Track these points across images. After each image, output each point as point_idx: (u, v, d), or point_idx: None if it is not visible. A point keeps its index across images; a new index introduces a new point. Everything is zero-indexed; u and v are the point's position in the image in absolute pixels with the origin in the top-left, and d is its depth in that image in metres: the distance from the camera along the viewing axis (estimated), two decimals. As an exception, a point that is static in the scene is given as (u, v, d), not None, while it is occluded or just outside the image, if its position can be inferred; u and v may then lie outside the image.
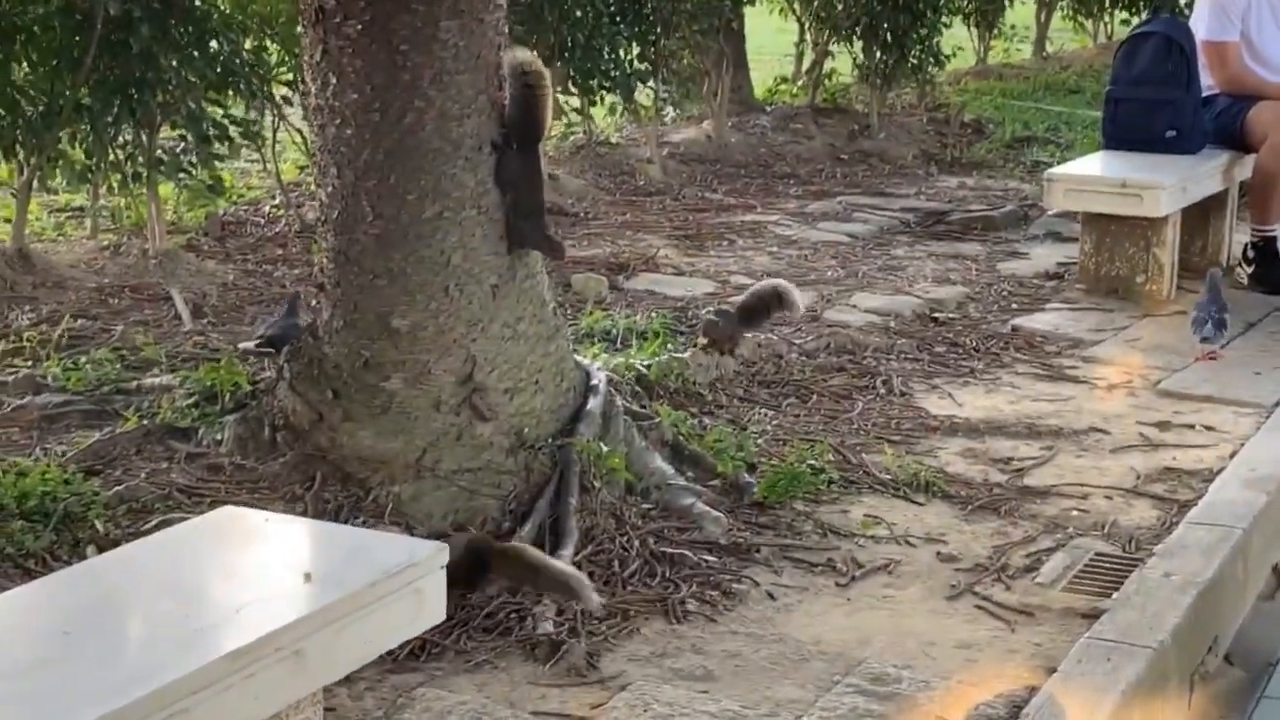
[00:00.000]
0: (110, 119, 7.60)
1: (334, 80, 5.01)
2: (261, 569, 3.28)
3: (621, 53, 11.10)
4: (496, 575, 4.63)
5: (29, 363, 6.33)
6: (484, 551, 4.63)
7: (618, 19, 10.96)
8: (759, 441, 6.06)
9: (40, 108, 7.44)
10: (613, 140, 12.28)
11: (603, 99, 11.36)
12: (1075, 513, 5.57)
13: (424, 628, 3.46)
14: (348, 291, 5.15)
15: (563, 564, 4.64)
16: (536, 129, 5.21)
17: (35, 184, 8.10)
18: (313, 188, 7.97)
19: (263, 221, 9.36)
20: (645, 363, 6.50)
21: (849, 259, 9.27)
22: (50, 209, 9.47)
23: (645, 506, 5.37)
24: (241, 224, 9.35)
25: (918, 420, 6.48)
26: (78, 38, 7.42)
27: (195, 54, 7.77)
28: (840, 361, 7.19)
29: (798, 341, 7.39)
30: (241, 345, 6.56)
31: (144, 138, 7.81)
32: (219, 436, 5.43)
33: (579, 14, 10.52)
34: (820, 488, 5.64)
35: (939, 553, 5.19)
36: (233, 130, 8.06)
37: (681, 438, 5.82)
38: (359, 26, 4.92)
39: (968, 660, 4.49)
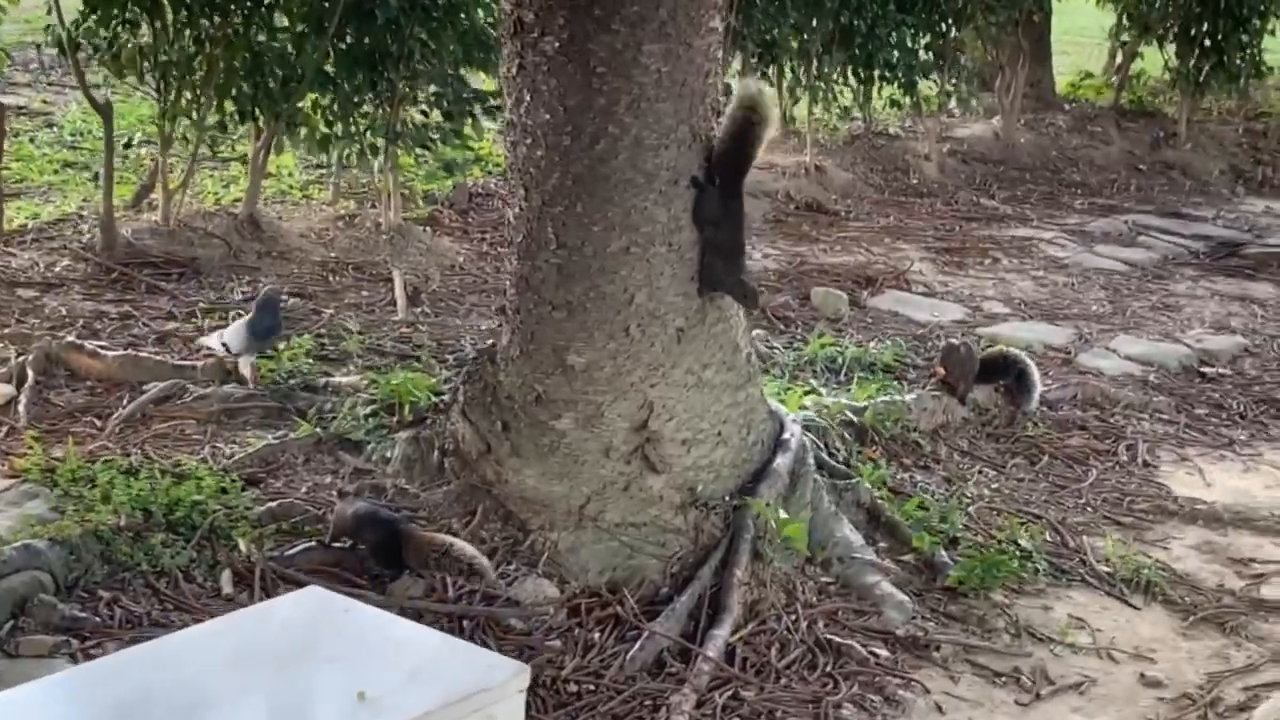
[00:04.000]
0: (354, 89, 7.41)
1: (528, 97, 4.67)
2: (318, 677, 2.98)
3: (908, 41, 10.53)
4: (411, 559, 4.50)
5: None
6: (400, 535, 4.54)
7: (905, 5, 10.38)
8: (970, 510, 5.55)
9: (282, 75, 7.29)
10: (891, 132, 11.72)
11: (881, 89, 10.82)
12: (1314, 641, 4.92)
13: (493, 759, 3.11)
14: (526, 320, 4.83)
15: (467, 545, 4.53)
16: (744, 163, 4.77)
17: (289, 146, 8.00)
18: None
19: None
20: (860, 405, 6.03)
21: (1120, 292, 8.58)
22: (308, 165, 9.40)
23: (825, 580, 4.95)
24: (490, 196, 9.16)
25: (1156, 500, 5.87)
26: (326, 5, 7.24)
27: (444, 27, 7.50)
28: (1084, 417, 6.60)
29: (1043, 388, 6.78)
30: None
31: (385, 110, 7.61)
32: (389, 454, 5.21)
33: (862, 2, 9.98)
34: (1025, 576, 5.11)
35: (1143, 675, 4.61)
36: (478, 109, 7.77)
37: (881, 501, 5.36)
38: (556, 44, 4.56)
39: (1146, 818, 3.96)
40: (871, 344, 7.06)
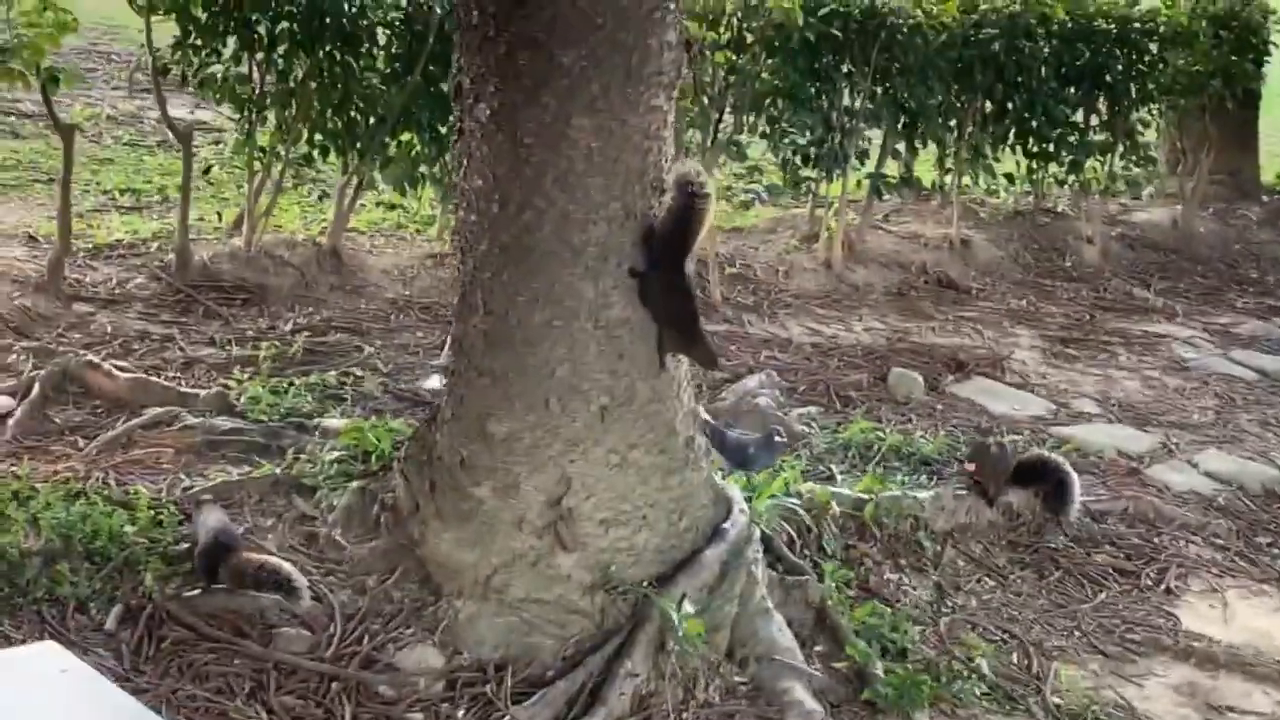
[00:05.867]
0: (441, 129, 7.51)
1: (465, 161, 4.66)
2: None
3: (1071, 117, 10.13)
4: (228, 578, 4.66)
5: (247, 375, 6.30)
6: (223, 548, 4.67)
7: (1071, 83, 9.99)
8: (943, 622, 5.28)
9: (370, 113, 7.42)
10: (1059, 210, 11.27)
11: (1045, 165, 10.42)
12: (1249, 813, 4.54)
13: None
14: (458, 384, 4.81)
15: (284, 563, 4.64)
16: (686, 243, 4.66)
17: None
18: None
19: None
20: (862, 497, 5.81)
21: (1233, 403, 8.06)
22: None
23: (737, 680, 4.77)
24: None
25: (1155, 632, 5.49)
26: (413, 46, 7.36)
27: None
28: (1125, 533, 6.22)
29: (1091, 498, 6.43)
30: None
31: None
32: (335, 502, 5.23)
33: (1019, 76, 9.63)
34: (959, 700, 4.84)
35: (1032, 829, 4.32)
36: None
37: (832, 603, 5.15)
38: (488, 111, 4.52)
39: None
40: (918, 434, 6.79)
